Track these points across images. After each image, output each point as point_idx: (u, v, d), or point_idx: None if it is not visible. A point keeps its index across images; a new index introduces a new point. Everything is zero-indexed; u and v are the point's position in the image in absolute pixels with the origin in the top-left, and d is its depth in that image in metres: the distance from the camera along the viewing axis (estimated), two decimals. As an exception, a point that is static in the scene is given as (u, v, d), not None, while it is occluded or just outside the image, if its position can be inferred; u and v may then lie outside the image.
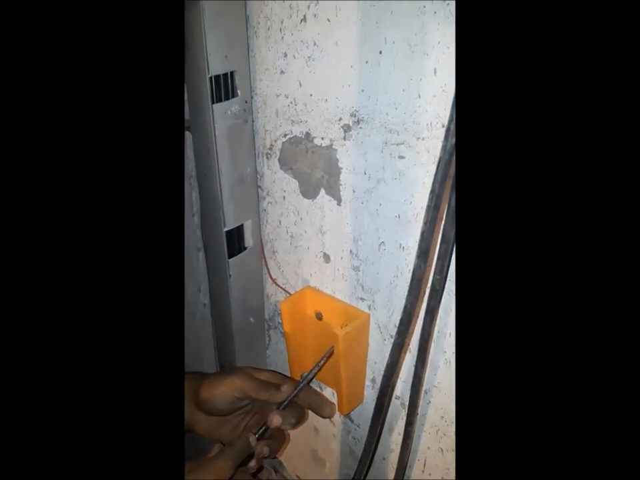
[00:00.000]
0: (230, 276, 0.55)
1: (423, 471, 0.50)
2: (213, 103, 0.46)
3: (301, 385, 0.42)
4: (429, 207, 0.28)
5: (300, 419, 0.42)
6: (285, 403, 0.41)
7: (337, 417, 0.59)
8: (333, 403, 0.45)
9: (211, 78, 0.45)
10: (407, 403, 0.48)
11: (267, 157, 0.52)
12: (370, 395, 0.53)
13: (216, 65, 0.45)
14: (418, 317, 0.34)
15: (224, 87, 0.47)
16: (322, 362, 0.45)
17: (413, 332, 0.34)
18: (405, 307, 0.32)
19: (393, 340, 0.34)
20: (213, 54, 0.44)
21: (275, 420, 0.40)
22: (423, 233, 0.29)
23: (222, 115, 0.48)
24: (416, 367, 0.38)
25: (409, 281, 0.43)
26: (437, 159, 0.37)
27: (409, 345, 0.36)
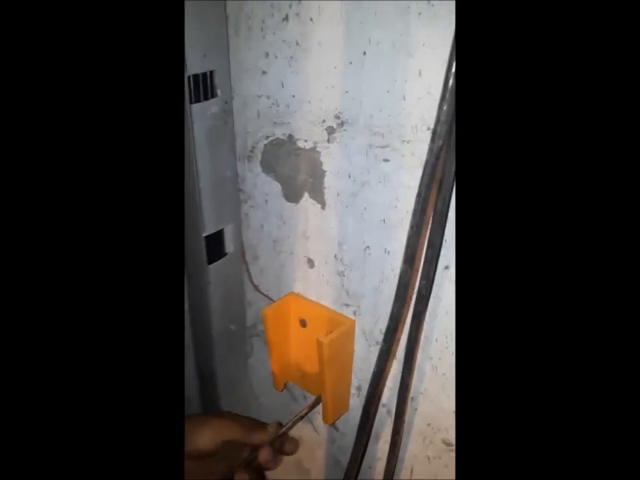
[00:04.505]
0: (209, 282, 0.53)
1: (409, 479, 0.49)
2: (191, 102, 0.45)
3: (285, 428, 0.43)
4: (415, 210, 0.27)
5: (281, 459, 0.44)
6: (281, 432, 0.43)
7: (322, 426, 0.58)
8: (296, 440, 0.47)
9: (189, 77, 0.44)
10: (393, 411, 0.47)
11: (249, 160, 0.51)
12: (355, 403, 0.52)
13: (194, 63, 0.44)
14: (405, 323, 0.33)
15: (203, 87, 0.45)
16: (305, 412, 0.46)
17: (400, 339, 0.34)
18: (392, 313, 0.31)
19: (379, 347, 0.33)
20: (191, 51, 0.43)
21: (265, 454, 0.40)
22: (409, 238, 0.28)
23: (201, 115, 0.46)
24: (402, 374, 0.37)
25: (394, 287, 0.42)
26: (422, 162, 0.37)
27: (396, 352, 0.35)
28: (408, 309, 0.32)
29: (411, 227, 0.28)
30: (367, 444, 0.42)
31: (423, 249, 0.29)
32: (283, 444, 0.44)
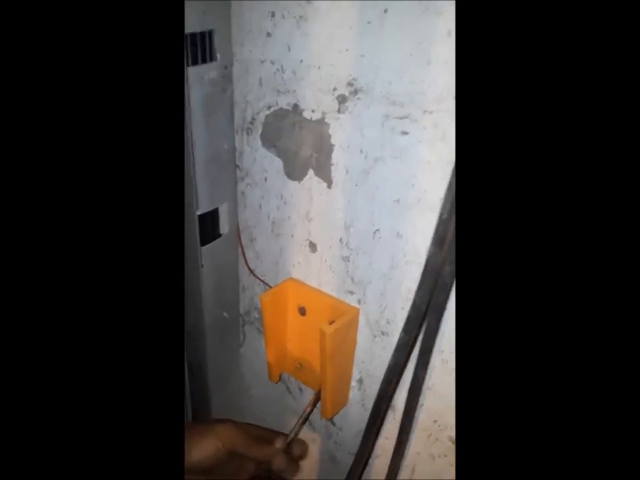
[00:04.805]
0: (202, 265, 0.49)
1: (411, 478, 0.47)
2: (187, 65, 0.40)
3: (294, 433, 0.41)
4: (451, 183, 0.23)
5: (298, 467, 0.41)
6: (290, 438, 0.40)
7: (318, 420, 0.55)
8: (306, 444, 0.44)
9: (186, 35, 0.39)
10: (397, 406, 0.44)
11: (247, 132, 0.47)
12: (355, 396, 0.49)
13: (192, 21, 0.39)
14: (427, 313, 0.30)
15: (201, 48, 0.41)
16: (309, 410, 0.43)
17: (421, 331, 0.30)
18: (414, 302, 0.27)
19: (398, 338, 0.30)
20: (189, 7, 0.38)
21: (278, 463, 0.37)
22: (441, 216, 0.25)
23: (198, 80, 0.41)
24: (416, 368, 0.34)
25: (406, 274, 0.39)
26: (445, 135, 0.34)
27: (415, 345, 0.32)
28: (434, 298, 0.28)
29: (444, 204, 0.24)
30: (374, 442, 0.39)
31: (452, 231, 0.26)
32: (290, 447, 0.40)
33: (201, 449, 0.34)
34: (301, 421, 0.41)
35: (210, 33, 0.41)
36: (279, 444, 0.37)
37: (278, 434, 0.39)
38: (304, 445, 0.41)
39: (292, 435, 0.40)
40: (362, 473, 0.40)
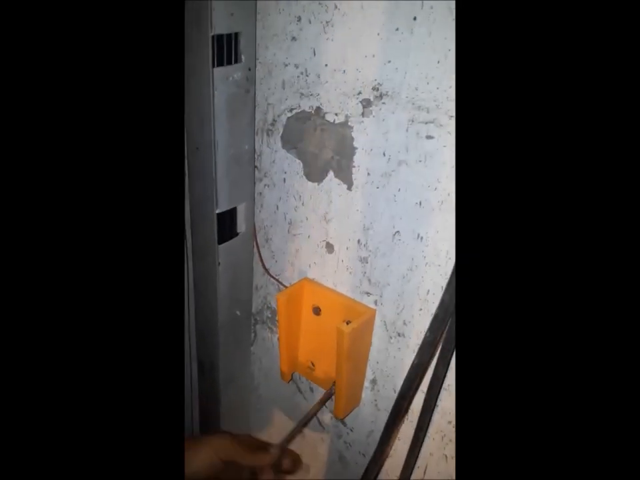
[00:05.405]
0: (219, 264, 0.50)
1: (423, 479, 0.47)
2: (213, 66, 0.41)
3: (296, 429, 0.40)
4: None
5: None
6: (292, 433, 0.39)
7: (328, 420, 0.55)
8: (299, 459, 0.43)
9: (213, 37, 0.40)
10: (411, 407, 0.45)
11: (268, 134, 0.48)
12: (368, 396, 0.49)
13: (220, 23, 0.40)
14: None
15: (227, 50, 0.41)
16: (316, 409, 0.43)
17: (446, 328, 0.31)
18: (442, 300, 0.28)
19: (424, 337, 0.30)
20: (218, 9, 0.39)
21: (267, 474, 0.36)
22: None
23: (222, 81, 0.42)
24: (436, 367, 0.34)
25: (425, 275, 0.39)
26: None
27: (440, 344, 0.32)
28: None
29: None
30: (393, 441, 0.40)
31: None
32: (281, 459, 0.39)
33: (197, 460, 0.34)
34: (306, 418, 0.41)
35: (236, 35, 0.42)
36: (274, 449, 0.37)
37: (272, 445, 0.38)
38: (296, 460, 0.40)
39: (294, 430, 0.39)
40: (378, 473, 0.40)
